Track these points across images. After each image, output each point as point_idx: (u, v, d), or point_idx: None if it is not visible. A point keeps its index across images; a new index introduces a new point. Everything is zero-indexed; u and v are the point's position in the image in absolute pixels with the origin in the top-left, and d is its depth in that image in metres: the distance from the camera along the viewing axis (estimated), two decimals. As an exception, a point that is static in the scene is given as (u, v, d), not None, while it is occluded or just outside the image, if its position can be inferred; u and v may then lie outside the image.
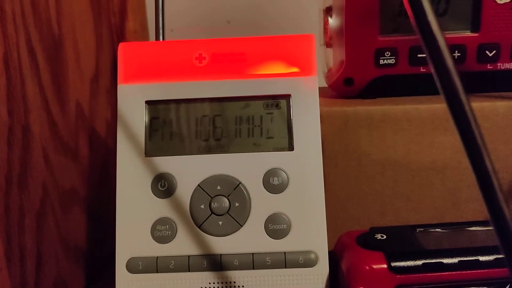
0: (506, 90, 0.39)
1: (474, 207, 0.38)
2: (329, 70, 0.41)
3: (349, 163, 0.38)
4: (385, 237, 0.34)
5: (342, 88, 0.39)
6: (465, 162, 0.37)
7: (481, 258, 0.31)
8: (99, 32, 0.51)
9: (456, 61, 0.37)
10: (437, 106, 0.37)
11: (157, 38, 0.48)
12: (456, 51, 0.37)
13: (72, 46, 0.45)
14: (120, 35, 0.55)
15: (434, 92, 0.38)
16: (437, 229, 0.35)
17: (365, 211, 0.39)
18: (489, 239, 0.34)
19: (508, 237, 0.17)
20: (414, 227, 0.35)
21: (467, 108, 0.17)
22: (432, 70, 0.18)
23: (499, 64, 0.37)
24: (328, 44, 0.40)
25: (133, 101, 0.36)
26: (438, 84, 0.18)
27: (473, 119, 0.17)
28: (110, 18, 0.53)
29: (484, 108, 0.37)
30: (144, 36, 0.58)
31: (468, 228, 0.36)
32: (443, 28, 0.37)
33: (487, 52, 0.37)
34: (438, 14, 0.37)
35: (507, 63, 0.37)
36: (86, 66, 0.48)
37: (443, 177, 0.38)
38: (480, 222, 0.37)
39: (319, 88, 0.43)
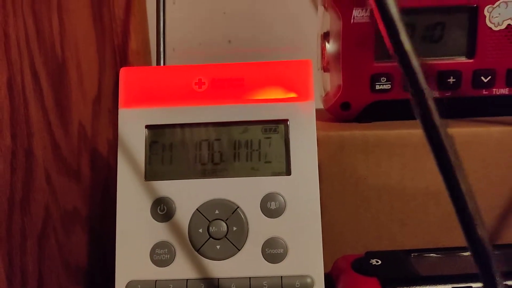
0: (501, 115, 0.39)
1: (470, 230, 0.39)
2: (327, 94, 0.41)
3: (346, 187, 0.38)
4: (380, 262, 0.34)
5: (339, 112, 0.40)
6: (461, 186, 0.38)
7: (474, 285, 0.32)
8: (102, 53, 0.52)
9: (451, 86, 0.38)
10: (433, 132, 0.37)
11: (158, 59, 0.49)
12: (451, 77, 0.38)
13: (75, 68, 0.46)
14: (123, 56, 0.56)
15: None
16: (431, 254, 0.36)
17: (361, 235, 0.39)
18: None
19: (482, 255, 0.18)
20: (409, 252, 0.35)
21: (441, 132, 0.18)
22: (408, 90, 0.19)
23: (494, 89, 0.38)
24: (325, 69, 0.41)
25: (133, 125, 0.37)
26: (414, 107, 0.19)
27: (448, 142, 0.18)
28: (113, 39, 0.54)
29: (479, 133, 0.37)
30: (147, 56, 0.59)
31: (462, 254, 0.36)
32: (437, 54, 0.38)
33: (482, 77, 0.38)
34: (433, 40, 0.38)
35: (502, 88, 0.38)
36: (88, 87, 0.49)
37: (438, 202, 0.38)
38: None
39: (317, 110, 0.44)
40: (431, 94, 0.18)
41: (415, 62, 0.17)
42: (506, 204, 0.38)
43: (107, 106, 0.54)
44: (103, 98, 0.53)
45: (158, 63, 0.49)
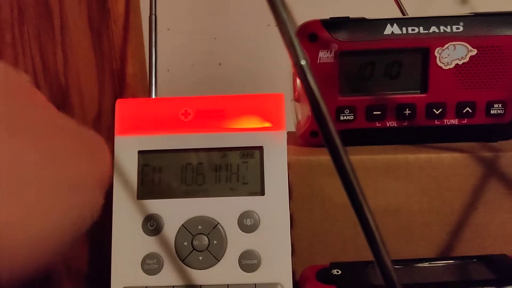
0: (451, 142, 0.44)
1: (425, 244, 0.44)
2: (298, 122, 0.46)
3: (314, 205, 0.43)
4: (340, 272, 0.39)
5: (309, 139, 0.45)
6: (416, 205, 0.43)
7: (419, 293, 0.37)
8: (101, 77, 0.57)
9: (407, 117, 0.43)
10: (389, 157, 0.42)
11: (150, 83, 0.54)
12: (407, 109, 0.43)
13: (77, 93, 0.51)
14: (121, 79, 0.61)
15: (387, 143, 0.44)
16: (387, 265, 0.41)
17: (329, 247, 0.44)
18: (433, 275, 0.40)
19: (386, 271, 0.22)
20: (367, 263, 0.40)
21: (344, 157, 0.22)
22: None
23: (445, 120, 0.43)
24: (297, 100, 0.46)
25: (127, 151, 0.42)
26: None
27: (351, 169, 0.22)
28: (112, 64, 0.59)
29: (432, 159, 0.42)
30: (143, 79, 0.63)
31: (416, 264, 0.41)
32: (395, 89, 0.43)
33: (434, 110, 0.43)
34: (392, 77, 0.43)
35: (452, 119, 0.43)
36: (89, 109, 0.54)
37: (396, 218, 0.43)
38: (430, 259, 0.42)
39: (291, 133, 0.49)
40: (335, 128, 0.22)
41: (322, 105, 0.22)
42: (456, 221, 0.43)
43: (107, 124, 0.59)
44: (102, 118, 0.58)
45: (150, 81, 0.54)
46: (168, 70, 0.68)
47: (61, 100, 0.48)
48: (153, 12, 0.51)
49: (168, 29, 0.66)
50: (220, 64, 0.67)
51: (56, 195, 0.24)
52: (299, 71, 0.21)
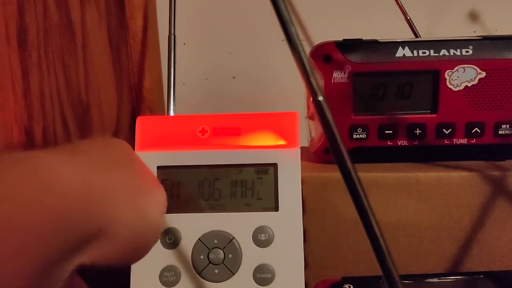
0: (460, 160, 0.45)
1: (434, 259, 0.45)
2: (312, 139, 0.48)
3: (327, 220, 0.44)
4: (352, 287, 0.40)
5: (322, 155, 0.46)
6: (425, 221, 0.44)
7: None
8: (120, 91, 0.59)
9: (418, 137, 0.44)
10: (401, 175, 0.43)
11: (168, 95, 0.56)
12: (418, 129, 0.44)
13: (97, 109, 0.53)
14: (138, 92, 0.63)
15: (398, 160, 0.45)
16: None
17: (341, 261, 0.45)
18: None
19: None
20: (379, 277, 0.42)
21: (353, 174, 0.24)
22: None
23: (454, 139, 0.44)
24: (311, 118, 0.47)
25: (147, 166, 0.44)
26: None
27: (360, 185, 0.24)
28: (130, 78, 0.61)
29: (441, 178, 0.43)
30: (159, 92, 0.65)
31: (426, 280, 0.42)
32: (406, 109, 0.44)
33: (444, 130, 0.44)
34: (403, 98, 0.44)
35: (462, 139, 0.44)
36: (108, 123, 0.56)
37: (407, 234, 0.44)
38: (439, 274, 0.43)
39: (304, 148, 0.50)
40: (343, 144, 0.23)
41: (333, 125, 0.23)
42: (465, 237, 0.44)
43: (125, 137, 0.61)
44: (120, 131, 0.60)
45: (168, 98, 0.56)
46: (183, 83, 0.69)
47: (82, 116, 0.49)
48: (172, 32, 0.53)
49: (184, 44, 0.68)
50: (234, 77, 0.69)
51: None
52: (317, 106, 0.22)
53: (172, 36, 0.54)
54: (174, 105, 0.52)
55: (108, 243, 0.25)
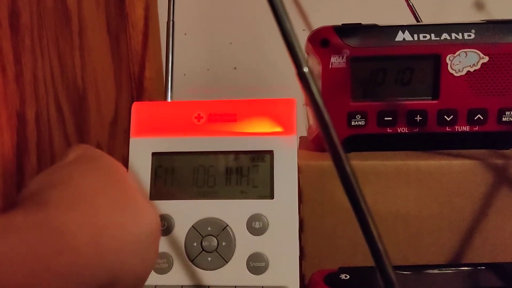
0: (462, 149, 0.44)
1: (435, 250, 0.44)
2: (310, 127, 0.47)
3: (325, 210, 0.43)
4: (348, 277, 0.39)
5: (320, 143, 0.45)
6: (426, 211, 0.43)
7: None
8: (119, 81, 0.59)
9: (418, 124, 0.43)
10: (400, 163, 0.42)
11: (166, 86, 0.55)
12: (418, 115, 0.43)
13: (94, 96, 0.53)
14: (138, 82, 0.62)
15: (398, 148, 0.44)
16: (396, 271, 0.41)
17: (339, 252, 0.44)
18: (442, 281, 0.40)
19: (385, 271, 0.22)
20: (376, 268, 0.41)
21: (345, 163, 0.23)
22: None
23: (456, 127, 0.43)
24: (308, 105, 0.46)
25: (141, 152, 0.43)
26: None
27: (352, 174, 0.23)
28: (129, 68, 0.61)
29: (442, 166, 0.42)
30: (160, 82, 0.65)
31: (425, 271, 0.41)
32: (406, 95, 0.43)
33: (445, 116, 0.43)
34: (403, 83, 0.43)
35: (464, 126, 0.43)
36: (106, 112, 0.56)
37: (406, 224, 0.43)
38: (439, 265, 0.42)
39: (303, 137, 0.49)
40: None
41: (325, 112, 0.22)
42: (467, 227, 0.43)
43: (123, 127, 0.60)
44: (119, 120, 0.59)
45: (166, 84, 0.55)
46: (184, 74, 0.69)
47: (78, 104, 0.49)
48: (171, 18, 0.52)
49: (185, 34, 0.67)
50: (235, 68, 0.68)
51: None
52: (301, 78, 0.21)
53: (171, 22, 0.53)
54: (171, 91, 0.51)
55: None
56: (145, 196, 0.32)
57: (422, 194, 0.43)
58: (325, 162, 0.43)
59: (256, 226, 0.40)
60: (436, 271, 0.41)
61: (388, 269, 0.22)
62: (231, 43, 0.68)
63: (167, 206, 0.42)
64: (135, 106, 0.44)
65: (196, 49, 0.68)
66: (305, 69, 0.21)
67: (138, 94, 0.62)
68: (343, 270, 0.40)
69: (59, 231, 0.22)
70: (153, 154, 0.43)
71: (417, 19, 0.53)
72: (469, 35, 0.41)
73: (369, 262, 0.45)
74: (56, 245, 0.21)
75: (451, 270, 0.41)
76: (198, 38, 0.68)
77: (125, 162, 0.60)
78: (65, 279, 0.21)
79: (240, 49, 0.68)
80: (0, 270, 0.19)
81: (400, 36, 0.42)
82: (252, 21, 0.67)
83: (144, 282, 0.31)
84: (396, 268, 0.42)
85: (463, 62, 0.41)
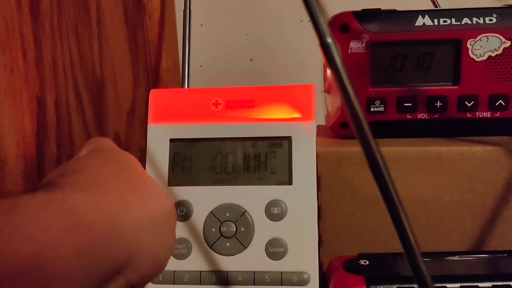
0: (483, 135, 0.43)
1: (455, 238, 0.43)
2: (328, 113, 0.46)
3: (343, 196, 0.43)
4: (368, 262, 0.39)
5: (338, 130, 0.45)
6: (447, 198, 0.42)
7: (448, 286, 0.36)
8: (136, 71, 0.59)
9: (438, 110, 0.42)
10: (421, 149, 0.42)
11: (183, 77, 0.55)
12: (439, 101, 0.42)
13: (112, 85, 0.53)
14: (154, 73, 0.62)
15: (418, 135, 0.43)
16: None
17: (357, 238, 0.44)
18: (463, 268, 0.39)
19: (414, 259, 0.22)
20: (396, 254, 0.40)
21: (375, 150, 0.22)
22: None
23: (477, 113, 0.42)
24: (327, 91, 0.46)
25: (159, 139, 0.43)
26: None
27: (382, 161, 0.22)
28: (146, 59, 0.61)
29: (463, 152, 0.41)
30: (176, 73, 0.65)
31: (446, 258, 0.40)
32: (426, 81, 0.42)
33: (466, 102, 0.42)
34: (423, 69, 0.42)
35: (485, 112, 0.42)
36: (124, 101, 0.56)
37: (426, 211, 0.43)
38: (460, 252, 0.42)
39: (321, 126, 0.49)
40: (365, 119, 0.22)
41: (353, 96, 0.22)
42: (488, 214, 0.42)
43: (140, 117, 0.60)
44: (136, 110, 0.59)
45: (183, 80, 0.55)
46: (200, 65, 0.69)
47: (96, 92, 0.49)
48: (188, 6, 0.52)
49: (201, 25, 0.68)
50: (251, 59, 0.68)
51: None
52: (325, 49, 0.21)
53: (188, 10, 0.53)
54: (188, 80, 0.51)
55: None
56: (158, 185, 0.32)
57: (443, 181, 0.42)
58: (344, 148, 0.43)
59: (275, 212, 0.40)
60: (456, 258, 0.40)
61: (418, 260, 0.22)
62: (247, 34, 0.67)
63: (185, 192, 0.42)
64: (153, 93, 0.44)
65: (212, 40, 0.68)
66: (329, 39, 0.21)
67: (155, 84, 0.63)
68: (362, 256, 0.40)
69: (70, 208, 0.22)
70: (171, 140, 0.43)
71: (435, 4, 0.52)
72: (491, 20, 0.41)
73: (389, 249, 0.44)
74: (67, 222, 0.21)
75: (472, 257, 0.40)
76: (214, 29, 0.68)
77: (142, 152, 0.60)
78: (79, 257, 0.21)
79: (257, 40, 0.68)
80: (6, 245, 0.19)
81: (420, 21, 0.41)
82: (269, 12, 0.67)
83: (164, 267, 0.31)
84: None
85: (484, 46, 0.41)
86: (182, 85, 0.52)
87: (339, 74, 0.21)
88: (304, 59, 0.66)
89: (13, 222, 0.20)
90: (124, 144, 0.55)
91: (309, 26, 0.22)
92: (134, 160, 0.32)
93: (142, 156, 0.60)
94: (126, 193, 0.27)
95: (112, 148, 0.32)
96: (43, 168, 0.40)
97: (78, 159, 0.29)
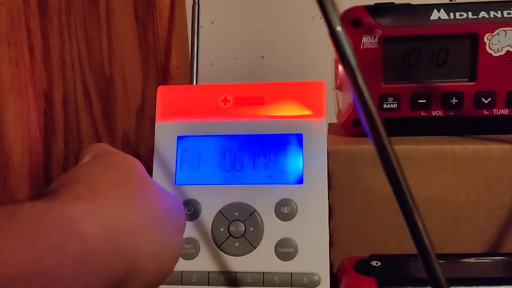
0: (501, 133, 0.42)
1: (471, 240, 0.42)
2: (340, 111, 0.45)
3: (355, 195, 0.42)
4: (379, 264, 0.38)
5: (350, 128, 0.44)
6: (462, 198, 0.41)
7: (464, 288, 0.35)
8: (146, 68, 0.58)
9: (454, 107, 0.41)
10: (435, 148, 0.41)
11: (191, 77, 0.55)
12: (454, 98, 0.41)
13: (121, 83, 0.52)
14: (165, 71, 0.62)
15: (433, 133, 0.42)
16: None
17: (370, 239, 0.43)
18: (479, 271, 0.38)
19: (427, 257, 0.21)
20: (409, 256, 0.39)
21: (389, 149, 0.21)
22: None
23: (494, 110, 0.41)
24: (338, 88, 0.45)
25: (167, 136, 0.42)
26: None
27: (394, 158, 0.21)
28: (156, 56, 0.60)
29: (480, 150, 0.40)
30: (186, 70, 0.64)
31: (461, 260, 0.39)
32: (441, 77, 0.41)
33: (483, 99, 0.41)
34: (438, 64, 0.41)
35: (502, 109, 0.41)
36: (133, 99, 0.55)
37: (441, 211, 0.41)
38: (475, 254, 0.40)
39: (332, 124, 0.48)
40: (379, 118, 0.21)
41: (365, 89, 0.21)
42: (506, 215, 0.41)
43: (150, 115, 0.60)
44: (146, 108, 0.59)
45: (191, 77, 0.55)
46: (211, 63, 0.68)
47: (105, 89, 0.49)
48: (197, 1, 0.51)
49: (212, 23, 0.67)
50: (263, 57, 0.67)
51: None
52: (334, 38, 0.20)
53: (196, 6, 0.52)
54: (197, 76, 0.50)
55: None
56: (163, 189, 0.31)
57: (458, 180, 0.41)
58: (355, 147, 0.42)
59: (285, 211, 0.39)
60: (472, 260, 0.39)
61: (433, 262, 0.21)
62: (258, 31, 0.67)
63: (193, 191, 0.41)
64: (161, 90, 0.44)
65: (223, 38, 0.67)
66: (338, 28, 0.20)
67: (165, 82, 0.62)
68: (374, 257, 0.39)
69: (67, 218, 0.22)
70: (179, 138, 0.42)
71: None
72: (509, 13, 0.39)
73: (401, 250, 0.43)
74: (65, 230, 0.21)
75: (488, 259, 0.39)
76: (225, 27, 0.67)
77: (151, 151, 0.60)
78: (78, 265, 0.21)
79: (268, 38, 0.67)
80: (8, 250, 0.19)
81: (435, 15, 0.40)
82: (280, 9, 0.66)
83: (170, 272, 0.30)
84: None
85: (503, 41, 0.39)
86: (191, 82, 0.51)
87: (349, 65, 0.20)
88: (316, 57, 0.65)
89: (15, 229, 0.20)
90: (133, 142, 0.55)
91: (321, 23, 0.21)
92: (137, 165, 0.31)
93: (151, 155, 0.59)
94: (125, 201, 0.27)
95: (114, 153, 0.31)
96: (50, 164, 0.40)
97: (79, 167, 0.29)
